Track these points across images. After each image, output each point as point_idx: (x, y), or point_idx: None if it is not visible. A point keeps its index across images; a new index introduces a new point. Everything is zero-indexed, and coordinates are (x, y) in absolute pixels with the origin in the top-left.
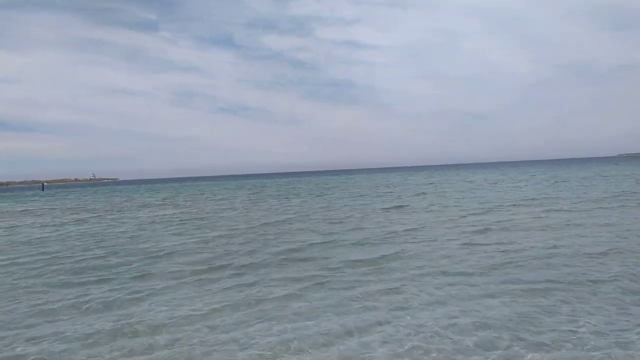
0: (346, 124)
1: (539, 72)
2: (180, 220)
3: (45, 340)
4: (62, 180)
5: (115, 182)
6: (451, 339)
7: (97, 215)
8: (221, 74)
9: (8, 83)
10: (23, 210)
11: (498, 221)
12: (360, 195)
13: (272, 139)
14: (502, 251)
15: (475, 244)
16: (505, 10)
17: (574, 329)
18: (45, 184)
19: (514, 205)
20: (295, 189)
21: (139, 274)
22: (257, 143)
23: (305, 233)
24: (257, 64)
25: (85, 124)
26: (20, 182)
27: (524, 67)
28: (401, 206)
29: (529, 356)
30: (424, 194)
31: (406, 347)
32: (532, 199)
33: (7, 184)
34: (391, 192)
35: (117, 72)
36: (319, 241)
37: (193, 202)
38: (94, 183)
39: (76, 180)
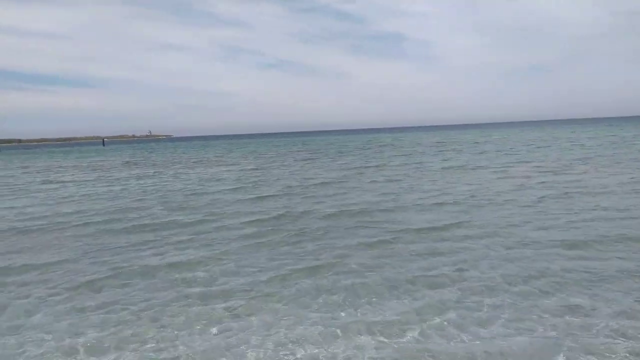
0: (394, 79)
1: (597, 21)
2: (237, 178)
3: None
4: (120, 137)
5: (170, 139)
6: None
7: (163, 172)
8: (267, 28)
9: (64, 39)
10: (124, 163)
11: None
12: (420, 153)
13: (318, 96)
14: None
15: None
16: None
17: None
18: (105, 139)
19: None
20: (344, 146)
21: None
22: (302, 99)
23: (364, 193)
24: (303, 17)
25: (138, 80)
26: (84, 138)
27: (583, 15)
28: (463, 166)
29: None
30: (485, 152)
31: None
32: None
33: (71, 139)
34: (447, 150)
35: (167, 26)
36: (377, 201)
37: (246, 160)
38: (151, 139)
39: (134, 136)
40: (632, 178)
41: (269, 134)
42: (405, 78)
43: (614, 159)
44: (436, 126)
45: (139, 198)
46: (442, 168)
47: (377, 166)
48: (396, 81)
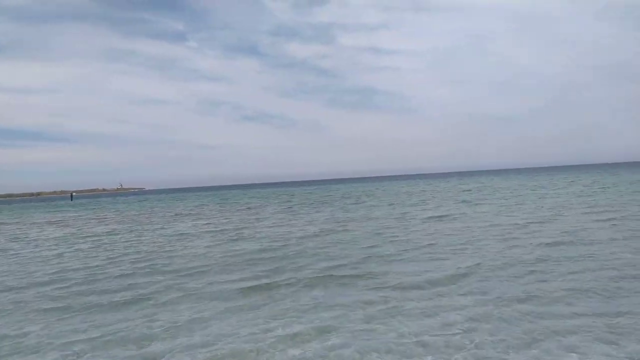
0: (370, 131)
1: (570, 74)
2: (213, 232)
3: None
4: (90, 190)
5: (142, 192)
6: None
7: (129, 226)
8: (246, 82)
9: (42, 94)
10: (58, 221)
11: (565, 231)
12: (393, 204)
13: (296, 147)
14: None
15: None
16: (533, 10)
17: None
18: (74, 193)
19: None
20: (324, 197)
21: (179, 295)
22: (281, 151)
23: (350, 246)
24: (281, 72)
25: (113, 133)
26: (51, 192)
27: (554, 69)
28: (445, 216)
29: None
30: (466, 201)
31: None
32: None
33: (39, 194)
34: (427, 199)
35: (146, 81)
36: (367, 255)
37: (223, 212)
38: (121, 193)
39: (104, 190)
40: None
41: (248, 185)
42: (382, 129)
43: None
44: (412, 175)
45: (111, 258)
46: (428, 217)
47: (361, 217)
48: (372, 133)
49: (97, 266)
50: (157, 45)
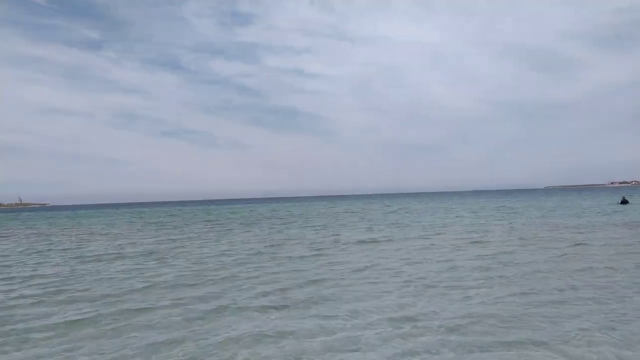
0: (292, 151)
1: (476, 108)
2: (122, 255)
3: None
4: None
5: (45, 208)
6: None
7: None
8: (166, 97)
9: None
10: None
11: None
12: (324, 226)
13: (217, 165)
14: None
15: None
16: (444, 48)
17: None
18: None
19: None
20: (246, 217)
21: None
22: (201, 169)
23: (283, 269)
24: (203, 89)
25: (14, 144)
26: None
27: (461, 103)
28: (378, 240)
29: None
30: (396, 224)
31: None
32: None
33: None
34: (355, 220)
35: (55, 90)
36: (308, 280)
37: (137, 232)
38: (21, 208)
39: (0, 205)
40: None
41: (164, 202)
42: (304, 150)
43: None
44: (334, 196)
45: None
46: (362, 240)
47: (288, 239)
48: (294, 153)
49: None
50: (68, 53)
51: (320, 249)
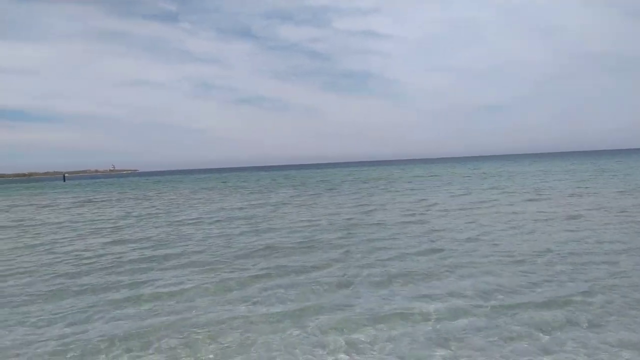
0: (362, 115)
1: (555, 62)
2: (228, 217)
3: None
4: (82, 172)
5: (135, 174)
6: None
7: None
8: (239, 65)
9: (31, 75)
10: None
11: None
12: (412, 189)
13: (289, 130)
14: None
15: None
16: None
17: None
18: (66, 175)
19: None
20: (324, 181)
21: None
22: (273, 134)
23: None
24: (274, 55)
25: (104, 115)
26: (43, 173)
27: (540, 58)
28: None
29: None
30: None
31: None
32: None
33: (30, 174)
34: (444, 184)
35: (137, 63)
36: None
37: (228, 195)
38: (114, 174)
39: (96, 171)
40: None
41: (242, 168)
42: (376, 114)
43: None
44: (406, 160)
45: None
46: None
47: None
48: (367, 117)
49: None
50: (149, 27)
51: (422, 213)
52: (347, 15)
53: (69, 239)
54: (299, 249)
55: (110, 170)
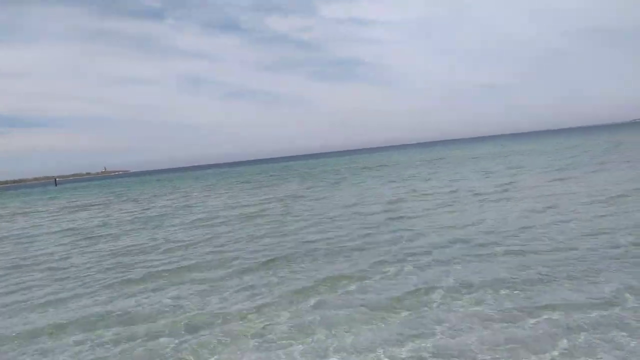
0: (354, 103)
1: (549, 40)
2: (245, 215)
3: None
4: (73, 175)
5: (127, 174)
6: None
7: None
8: (227, 58)
9: (19, 77)
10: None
11: None
12: (427, 173)
13: (282, 122)
14: None
15: None
16: None
17: None
18: (58, 179)
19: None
20: (325, 172)
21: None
22: (265, 127)
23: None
24: (263, 47)
25: (94, 115)
26: (33, 179)
27: (534, 35)
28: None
29: None
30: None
31: None
32: None
33: (20, 181)
34: (450, 167)
35: (126, 61)
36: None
37: (240, 192)
38: (105, 176)
39: (88, 174)
40: None
41: (237, 162)
42: (368, 101)
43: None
44: (401, 145)
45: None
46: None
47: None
48: (359, 104)
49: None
50: (134, 24)
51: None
52: (333, 2)
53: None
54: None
55: (102, 172)
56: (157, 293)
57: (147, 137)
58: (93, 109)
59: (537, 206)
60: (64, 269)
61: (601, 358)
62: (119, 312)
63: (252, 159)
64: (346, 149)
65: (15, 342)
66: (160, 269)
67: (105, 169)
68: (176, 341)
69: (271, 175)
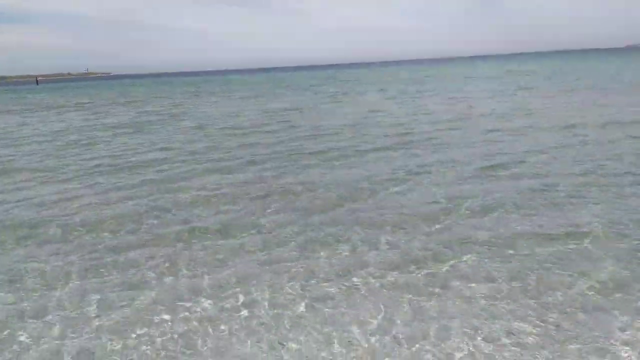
0: (353, 19)
1: None
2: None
3: None
4: (55, 75)
5: (109, 77)
6: None
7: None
8: None
9: None
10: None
11: None
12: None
13: (273, 31)
14: None
15: None
16: None
17: None
18: (39, 78)
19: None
20: (325, 84)
21: None
22: (258, 36)
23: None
24: None
25: (78, 14)
26: (16, 77)
27: None
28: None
29: None
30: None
31: None
32: None
33: (3, 78)
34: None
35: None
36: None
37: (251, 99)
38: (87, 77)
39: (69, 74)
40: None
41: (227, 70)
42: (360, 16)
43: None
44: (400, 61)
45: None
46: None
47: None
48: (355, 20)
49: None
50: None
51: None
52: None
53: None
54: None
55: (84, 74)
56: None
57: (129, 41)
58: (73, 7)
59: None
60: None
61: None
62: None
63: (237, 68)
64: (346, 62)
65: None
66: None
67: (87, 70)
68: None
69: (266, 85)
